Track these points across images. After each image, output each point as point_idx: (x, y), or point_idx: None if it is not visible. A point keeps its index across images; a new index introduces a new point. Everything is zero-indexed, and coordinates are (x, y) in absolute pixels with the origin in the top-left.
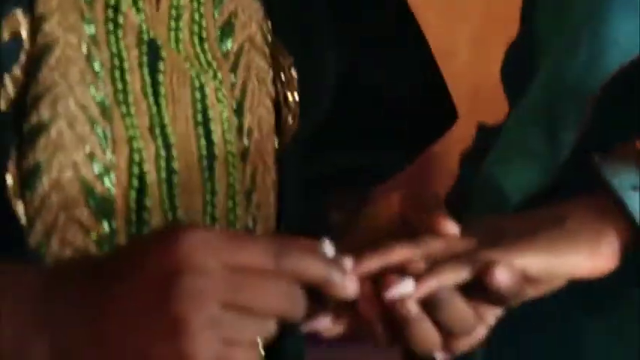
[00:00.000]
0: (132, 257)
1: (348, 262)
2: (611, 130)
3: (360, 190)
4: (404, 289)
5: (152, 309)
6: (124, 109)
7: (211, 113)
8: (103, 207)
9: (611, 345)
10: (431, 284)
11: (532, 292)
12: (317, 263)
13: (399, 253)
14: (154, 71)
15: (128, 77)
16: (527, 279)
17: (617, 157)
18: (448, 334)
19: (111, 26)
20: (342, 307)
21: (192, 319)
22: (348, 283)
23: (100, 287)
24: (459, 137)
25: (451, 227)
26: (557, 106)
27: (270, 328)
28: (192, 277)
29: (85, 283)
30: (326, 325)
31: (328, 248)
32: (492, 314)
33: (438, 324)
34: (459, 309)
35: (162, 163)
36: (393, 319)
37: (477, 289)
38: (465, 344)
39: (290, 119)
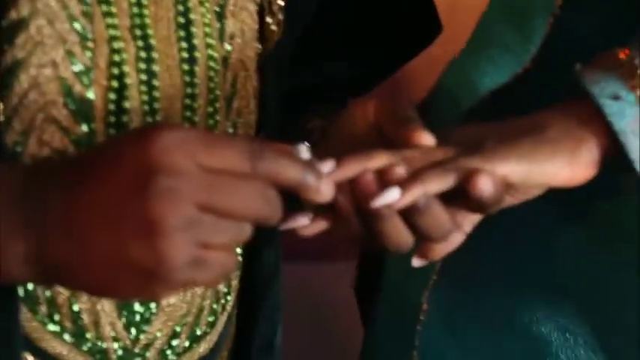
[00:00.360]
0: (107, 154)
1: (326, 165)
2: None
3: (341, 100)
4: (390, 197)
5: (127, 207)
6: (104, 7)
7: (193, 16)
8: (81, 108)
9: (590, 254)
10: (416, 192)
11: (510, 200)
12: (292, 166)
13: (379, 159)
14: None
15: None
16: (507, 186)
17: (598, 67)
18: (424, 240)
19: None
20: (320, 207)
21: (167, 220)
22: (323, 187)
23: (74, 183)
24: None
25: (427, 139)
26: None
27: (246, 231)
28: (166, 176)
29: (60, 180)
30: (304, 223)
31: (304, 152)
32: (470, 221)
33: (414, 227)
34: (437, 215)
35: (143, 65)
36: (369, 217)
37: (456, 196)
38: (441, 251)
39: (274, 26)
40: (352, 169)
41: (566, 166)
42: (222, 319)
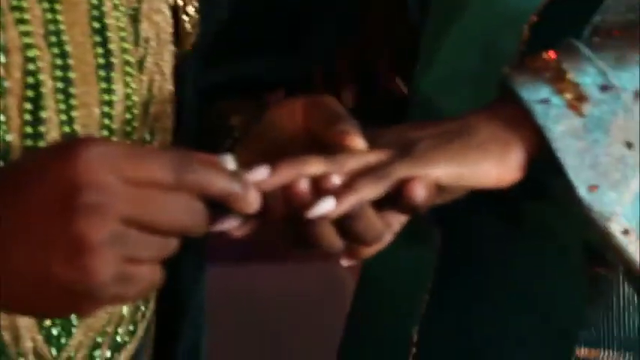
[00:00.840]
0: (30, 170)
1: (260, 172)
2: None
3: (257, 96)
4: (325, 207)
5: (51, 224)
6: (17, 14)
7: (108, 20)
8: None
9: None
10: (350, 201)
11: (438, 200)
12: (219, 177)
13: (315, 166)
14: None
15: None
16: (437, 189)
17: (526, 70)
18: (356, 242)
19: None
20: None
21: (92, 236)
22: (250, 197)
23: (2, 197)
24: None
25: (359, 143)
26: (494, 31)
27: (173, 244)
28: (90, 192)
29: None
30: (234, 225)
31: (230, 162)
32: (399, 221)
33: (347, 231)
34: (370, 220)
35: (59, 73)
36: (301, 222)
37: (387, 200)
38: (370, 251)
39: (189, 26)
40: (286, 175)
41: (495, 169)
42: (142, 326)
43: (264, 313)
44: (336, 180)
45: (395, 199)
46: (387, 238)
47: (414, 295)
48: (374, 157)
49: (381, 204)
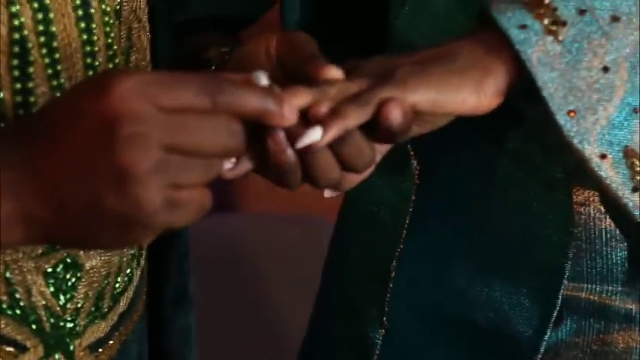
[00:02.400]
0: (63, 112)
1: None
2: None
3: (230, 31)
4: (313, 136)
5: (96, 160)
6: None
7: None
8: None
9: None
10: (337, 128)
11: (416, 130)
12: (252, 95)
13: (302, 96)
14: None
15: None
16: (415, 115)
17: None
18: (347, 172)
19: None
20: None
21: (137, 166)
22: (286, 112)
23: (43, 138)
24: None
25: (336, 72)
26: None
27: (217, 167)
28: (129, 123)
29: (29, 139)
30: (228, 166)
31: (262, 78)
32: (380, 153)
33: (339, 159)
34: (361, 146)
35: (41, 27)
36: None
37: (366, 129)
38: (352, 181)
39: None
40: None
41: (473, 95)
42: (137, 273)
43: (249, 262)
44: (324, 108)
45: (374, 126)
46: (369, 169)
47: (393, 230)
48: (355, 86)
49: (366, 134)
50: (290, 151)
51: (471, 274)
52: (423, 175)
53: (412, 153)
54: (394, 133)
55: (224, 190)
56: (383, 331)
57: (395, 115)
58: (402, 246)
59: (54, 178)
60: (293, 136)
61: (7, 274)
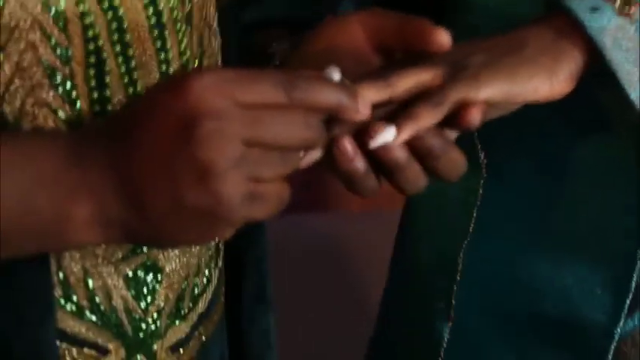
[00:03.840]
0: (142, 111)
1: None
2: None
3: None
4: (386, 137)
5: (176, 157)
6: None
7: None
8: (65, 88)
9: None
10: (410, 129)
11: (488, 117)
12: (326, 90)
13: (376, 91)
14: None
15: None
16: (489, 107)
17: None
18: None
19: None
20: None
21: (218, 161)
22: (360, 105)
23: (122, 139)
24: None
25: (446, 37)
26: None
27: (295, 160)
28: (208, 120)
29: (108, 140)
30: (318, 156)
31: (335, 74)
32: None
33: (431, 171)
34: (454, 158)
35: (116, 36)
36: (382, 164)
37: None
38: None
39: None
40: (375, 96)
41: (546, 83)
42: (215, 274)
43: (326, 262)
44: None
45: (450, 119)
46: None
47: (460, 223)
48: (426, 76)
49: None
50: (359, 160)
51: (542, 264)
52: (491, 166)
53: (479, 145)
54: (471, 130)
55: (317, 189)
56: (450, 323)
57: (476, 117)
58: (469, 238)
59: (135, 178)
60: (363, 139)
61: (88, 280)
